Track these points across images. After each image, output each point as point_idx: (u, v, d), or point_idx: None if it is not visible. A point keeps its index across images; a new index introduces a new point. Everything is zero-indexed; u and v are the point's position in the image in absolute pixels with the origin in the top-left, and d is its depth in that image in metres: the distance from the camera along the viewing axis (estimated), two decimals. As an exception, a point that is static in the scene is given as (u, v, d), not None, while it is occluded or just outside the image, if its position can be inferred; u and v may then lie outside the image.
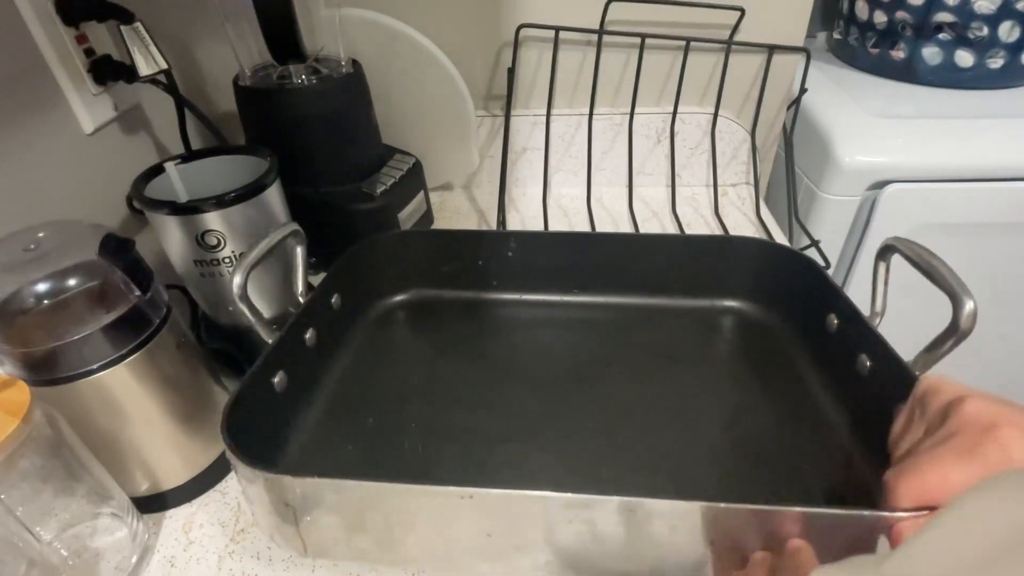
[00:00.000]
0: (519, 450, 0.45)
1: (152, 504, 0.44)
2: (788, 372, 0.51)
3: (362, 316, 0.59)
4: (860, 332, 0.45)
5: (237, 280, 0.41)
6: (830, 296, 0.49)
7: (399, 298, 0.62)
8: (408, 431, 0.47)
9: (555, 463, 0.44)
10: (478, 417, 0.48)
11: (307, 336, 0.49)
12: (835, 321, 0.48)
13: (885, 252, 0.43)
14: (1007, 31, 0.81)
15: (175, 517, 0.45)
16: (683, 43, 0.73)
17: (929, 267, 0.39)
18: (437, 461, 0.44)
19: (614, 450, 0.45)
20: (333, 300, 0.53)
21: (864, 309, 0.46)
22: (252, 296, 0.43)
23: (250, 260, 0.42)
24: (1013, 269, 0.90)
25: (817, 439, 0.45)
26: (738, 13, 0.72)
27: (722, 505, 0.30)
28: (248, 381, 0.40)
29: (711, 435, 0.46)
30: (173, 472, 0.44)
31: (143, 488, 0.44)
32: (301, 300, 0.49)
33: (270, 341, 0.44)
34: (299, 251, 0.49)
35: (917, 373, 0.38)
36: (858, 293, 0.46)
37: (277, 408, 0.44)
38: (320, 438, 0.47)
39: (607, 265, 0.59)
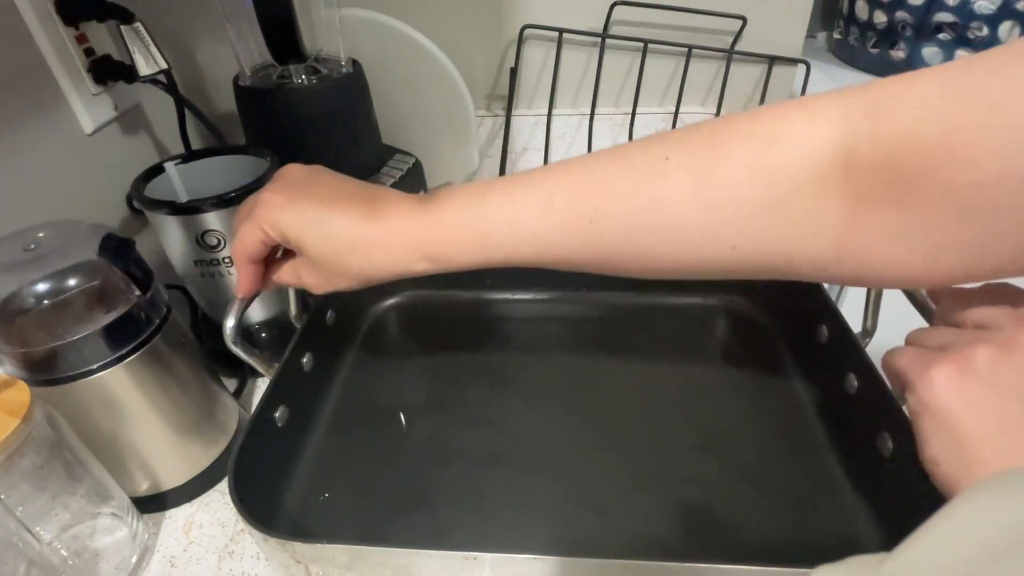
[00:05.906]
0: (518, 471, 0.45)
1: (152, 504, 0.44)
2: (781, 383, 0.51)
3: (356, 325, 0.59)
4: (848, 349, 0.44)
5: (230, 324, 0.40)
6: (822, 307, 0.49)
7: (392, 301, 0.61)
8: (408, 454, 0.47)
9: (553, 484, 0.44)
10: (475, 435, 0.48)
11: (304, 361, 0.48)
12: (825, 333, 0.48)
13: None
14: (1007, 31, 0.81)
15: (175, 517, 0.45)
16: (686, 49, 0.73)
17: (917, 292, 0.39)
18: (437, 487, 0.44)
19: (605, 466, 0.45)
20: (328, 315, 0.53)
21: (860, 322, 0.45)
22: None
23: (239, 306, 0.40)
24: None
25: (802, 458, 0.45)
26: (740, 21, 0.72)
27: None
28: (251, 427, 0.39)
29: (698, 448, 0.46)
30: (173, 472, 0.44)
31: (143, 488, 0.44)
32: (296, 324, 0.49)
33: (268, 376, 0.43)
34: None
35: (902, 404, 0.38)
36: (858, 296, 0.46)
37: (281, 441, 0.44)
38: (324, 463, 0.46)
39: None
